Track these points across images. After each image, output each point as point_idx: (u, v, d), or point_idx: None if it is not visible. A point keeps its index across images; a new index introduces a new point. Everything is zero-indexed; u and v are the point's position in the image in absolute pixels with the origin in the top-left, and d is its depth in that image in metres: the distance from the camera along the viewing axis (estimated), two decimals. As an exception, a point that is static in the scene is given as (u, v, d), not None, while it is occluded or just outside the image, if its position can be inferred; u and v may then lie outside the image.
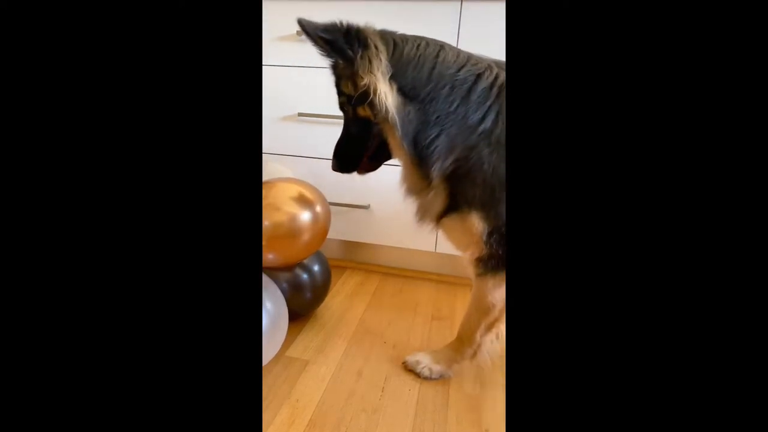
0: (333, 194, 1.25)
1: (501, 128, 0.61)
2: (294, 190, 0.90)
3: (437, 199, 0.68)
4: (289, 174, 1.10)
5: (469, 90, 0.62)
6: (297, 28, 1.17)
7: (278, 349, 0.82)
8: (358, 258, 1.41)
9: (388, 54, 0.64)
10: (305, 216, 0.87)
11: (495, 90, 0.62)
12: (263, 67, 1.24)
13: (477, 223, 0.65)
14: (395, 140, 0.66)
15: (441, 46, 0.65)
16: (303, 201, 0.87)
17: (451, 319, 1.08)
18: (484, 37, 1.08)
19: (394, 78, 0.63)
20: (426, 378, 0.83)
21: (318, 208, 0.90)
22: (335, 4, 1.14)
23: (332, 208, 1.06)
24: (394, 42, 0.65)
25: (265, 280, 0.83)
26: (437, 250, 1.25)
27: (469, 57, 0.65)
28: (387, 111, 0.62)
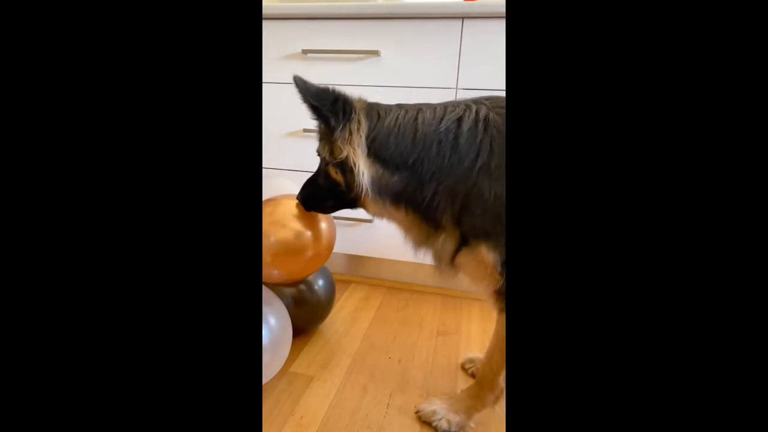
0: (337, 209, 1.26)
1: (498, 156, 0.61)
2: (299, 206, 0.90)
3: (449, 240, 0.68)
4: (294, 188, 1.11)
5: (456, 137, 0.63)
6: (302, 47, 1.21)
7: (282, 365, 0.82)
8: (362, 272, 1.41)
9: (369, 129, 0.66)
10: (311, 233, 0.87)
11: (481, 125, 0.62)
12: (270, 84, 1.27)
13: (486, 253, 0.63)
14: (376, 207, 0.69)
15: (419, 109, 0.67)
16: (308, 218, 0.88)
17: (457, 334, 1.06)
18: (484, 53, 1.10)
19: (376, 152, 0.65)
20: (445, 431, 0.74)
21: (323, 225, 0.90)
22: (339, 24, 1.17)
23: (336, 222, 1.06)
24: (378, 115, 0.68)
25: (269, 295, 0.83)
26: (442, 264, 1.24)
27: (446, 106, 0.66)
28: (362, 185, 0.65)
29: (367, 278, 1.39)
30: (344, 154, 0.66)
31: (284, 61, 1.24)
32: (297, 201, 0.84)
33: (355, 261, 1.40)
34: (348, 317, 1.13)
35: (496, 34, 1.08)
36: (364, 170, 0.65)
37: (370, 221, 1.27)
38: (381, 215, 0.72)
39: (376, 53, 1.16)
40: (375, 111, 0.68)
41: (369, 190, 0.66)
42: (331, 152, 0.68)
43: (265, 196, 0.94)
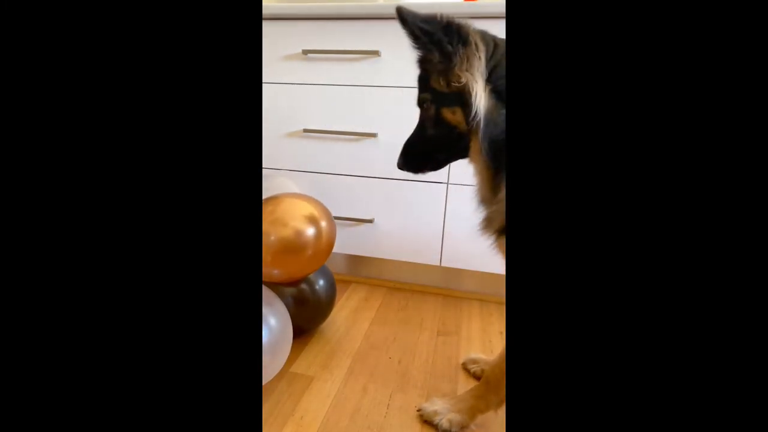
0: (337, 209, 1.26)
1: None
2: (300, 205, 0.90)
3: (499, 213, 0.64)
4: (294, 188, 1.11)
5: None
6: (302, 47, 1.21)
7: (282, 365, 0.82)
8: (362, 272, 1.41)
9: (487, 54, 0.62)
10: (311, 231, 0.87)
11: None
12: (270, 84, 1.27)
13: None
14: (477, 146, 0.63)
15: None
16: (309, 216, 0.88)
17: (457, 334, 1.06)
18: (485, 53, 1.09)
19: (490, 80, 0.61)
20: (445, 431, 0.73)
21: (323, 223, 0.90)
22: (339, 24, 1.17)
23: (336, 222, 1.06)
24: (495, 43, 0.63)
25: (270, 295, 0.83)
26: (442, 265, 1.24)
27: None
28: (477, 115, 0.60)
29: (368, 278, 1.39)
30: (463, 80, 0.60)
31: (284, 61, 1.24)
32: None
33: (356, 261, 1.40)
34: (348, 317, 1.13)
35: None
36: (481, 98, 0.60)
37: (370, 221, 1.27)
38: (478, 163, 0.66)
39: (376, 53, 1.16)
40: (490, 38, 0.63)
41: (481, 123, 0.60)
42: (448, 83, 0.63)
43: (264, 197, 0.94)
